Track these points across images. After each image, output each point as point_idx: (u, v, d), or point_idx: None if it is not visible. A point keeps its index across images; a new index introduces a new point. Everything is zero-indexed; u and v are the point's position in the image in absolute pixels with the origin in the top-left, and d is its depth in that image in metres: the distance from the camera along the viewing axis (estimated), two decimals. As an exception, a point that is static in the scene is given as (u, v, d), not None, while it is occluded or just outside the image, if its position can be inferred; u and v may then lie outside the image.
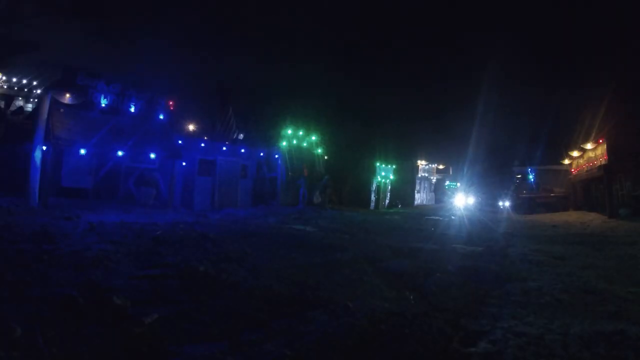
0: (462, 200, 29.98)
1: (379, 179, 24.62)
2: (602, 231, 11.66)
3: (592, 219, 15.31)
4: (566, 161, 22.95)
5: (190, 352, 2.73)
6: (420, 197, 31.49)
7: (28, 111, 14.20)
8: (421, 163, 33.00)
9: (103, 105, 12.29)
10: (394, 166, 26.35)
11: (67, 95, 11.50)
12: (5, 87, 14.01)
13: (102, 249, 5.52)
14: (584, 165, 20.01)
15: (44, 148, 10.74)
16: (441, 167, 35.61)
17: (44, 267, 4.39)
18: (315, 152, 20.37)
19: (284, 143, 18.76)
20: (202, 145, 15.58)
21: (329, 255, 6.33)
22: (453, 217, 17.77)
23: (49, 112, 10.84)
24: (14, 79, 14.07)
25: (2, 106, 14.03)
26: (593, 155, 18.39)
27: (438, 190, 35.12)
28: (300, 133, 19.55)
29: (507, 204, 29.61)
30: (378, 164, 24.47)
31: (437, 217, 17.63)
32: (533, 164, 25.24)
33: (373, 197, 23.33)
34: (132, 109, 13.02)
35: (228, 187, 15.82)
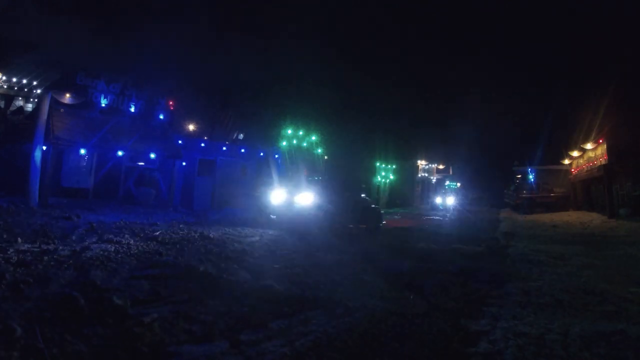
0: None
1: (379, 179, 24.65)
2: (602, 231, 11.65)
3: (592, 219, 15.30)
4: (566, 161, 22.94)
5: (190, 352, 2.73)
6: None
7: (28, 111, 14.18)
8: (421, 163, 32.98)
9: (103, 105, 12.29)
10: (394, 166, 26.38)
11: (67, 95, 11.50)
12: (5, 87, 13.98)
13: (102, 249, 5.52)
14: (584, 165, 20.00)
15: (44, 148, 10.73)
16: (441, 167, 35.57)
17: (44, 267, 4.39)
18: (315, 152, 20.38)
19: (284, 143, 18.78)
20: (202, 145, 15.58)
21: (328, 255, 6.33)
22: (452, 217, 17.78)
23: (49, 112, 10.83)
24: (14, 79, 14.05)
25: (2, 106, 14.02)
26: (593, 155, 18.38)
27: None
28: (300, 133, 19.55)
29: (453, 202, 25.20)
30: (378, 164, 24.50)
31: (436, 217, 17.64)
32: (533, 164, 25.21)
33: (373, 197, 23.36)
34: (132, 109, 13.02)
35: (228, 187, 15.82)
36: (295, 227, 9.04)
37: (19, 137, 12.01)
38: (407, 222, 14.44)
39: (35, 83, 14.10)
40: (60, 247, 5.53)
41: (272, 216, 10.25)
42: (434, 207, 24.54)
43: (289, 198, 10.34)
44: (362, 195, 12.13)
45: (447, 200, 25.51)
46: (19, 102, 14.56)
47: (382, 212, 11.66)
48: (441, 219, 16.92)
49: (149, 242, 6.41)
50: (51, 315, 3.07)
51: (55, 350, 2.57)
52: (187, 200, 14.27)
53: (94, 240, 6.28)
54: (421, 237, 9.91)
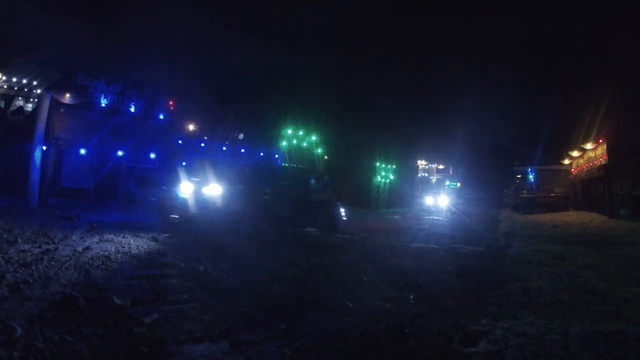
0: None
1: (379, 179, 24.66)
2: (602, 231, 11.65)
3: (592, 219, 15.29)
4: (566, 161, 22.94)
5: (190, 352, 2.73)
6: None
7: (28, 111, 14.22)
8: (421, 163, 33.00)
9: (103, 105, 12.33)
10: (394, 166, 26.40)
11: (67, 95, 11.52)
12: (5, 87, 13.99)
13: (103, 249, 5.53)
14: (584, 165, 20.00)
15: (44, 148, 10.75)
16: (441, 167, 35.58)
17: (44, 267, 4.39)
18: (315, 152, 20.39)
19: (284, 143, 18.80)
20: (202, 145, 15.61)
21: (329, 255, 6.33)
22: (452, 218, 17.76)
23: (49, 112, 10.85)
24: (14, 79, 14.06)
25: (2, 106, 14.04)
26: (593, 155, 18.38)
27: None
28: (300, 133, 19.58)
29: (447, 203, 21.39)
30: (378, 164, 24.52)
31: (436, 217, 17.63)
32: (533, 164, 25.20)
33: (373, 197, 23.33)
34: (132, 109, 13.04)
35: (228, 187, 15.81)
36: (194, 235, 6.82)
37: (19, 137, 12.04)
38: (408, 223, 14.44)
39: (35, 83, 14.12)
40: (61, 247, 5.53)
41: (172, 216, 7.75)
42: (425, 209, 21.24)
43: (198, 193, 7.83)
44: (313, 186, 9.82)
45: (440, 201, 22.10)
46: (19, 102, 14.58)
47: (341, 208, 9.45)
48: (442, 219, 16.92)
49: (149, 242, 6.41)
50: (51, 315, 3.07)
51: (55, 350, 2.57)
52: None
53: (94, 240, 6.29)
54: (420, 237, 9.91)
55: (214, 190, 7.80)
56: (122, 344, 2.75)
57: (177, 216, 7.71)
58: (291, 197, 8.77)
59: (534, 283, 5.03)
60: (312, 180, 10.04)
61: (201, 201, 7.72)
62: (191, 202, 7.71)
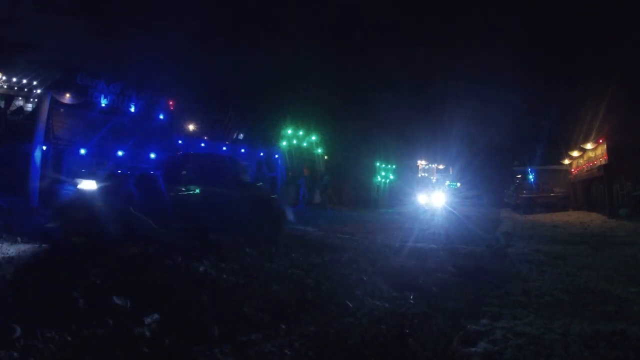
0: None
1: (379, 179, 24.64)
2: (602, 231, 11.64)
3: (592, 219, 15.29)
4: (566, 161, 22.93)
5: (191, 352, 2.73)
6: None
7: (28, 111, 14.20)
8: (421, 163, 33.02)
9: (103, 105, 12.32)
10: (394, 166, 26.40)
11: (67, 95, 11.52)
12: (5, 87, 13.97)
13: (102, 249, 5.52)
14: (584, 165, 20.00)
15: (44, 148, 10.75)
16: (441, 167, 35.58)
17: (44, 267, 4.39)
18: (315, 152, 20.40)
19: (284, 143, 18.80)
20: (202, 145, 15.61)
21: (329, 255, 6.33)
22: (451, 218, 17.75)
23: (49, 112, 10.86)
24: (14, 79, 14.02)
25: (2, 106, 14.03)
26: (593, 155, 18.37)
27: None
28: (300, 133, 19.57)
29: (443, 201, 19.52)
30: (378, 164, 24.50)
31: (436, 218, 17.63)
32: (533, 164, 25.19)
33: (373, 197, 23.32)
34: (132, 109, 13.03)
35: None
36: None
37: (19, 137, 12.03)
38: (408, 223, 14.44)
39: (35, 83, 14.08)
40: (60, 247, 5.53)
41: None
42: (424, 210, 19.53)
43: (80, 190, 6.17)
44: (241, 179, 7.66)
45: (435, 199, 20.40)
46: (19, 102, 14.56)
47: (283, 211, 7.55)
48: (441, 219, 16.90)
49: (148, 242, 6.40)
50: (51, 315, 3.08)
51: (55, 350, 2.57)
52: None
53: (94, 240, 6.27)
54: (420, 237, 9.91)
55: (88, 186, 6.17)
56: (122, 344, 2.75)
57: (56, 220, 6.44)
58: (203, 195, 6.84)
59: (534, 283, 5.03)
60: (240, 173, 7.82)
61: (82, 200, 6.12)
62: (76, 200, 6.19)
